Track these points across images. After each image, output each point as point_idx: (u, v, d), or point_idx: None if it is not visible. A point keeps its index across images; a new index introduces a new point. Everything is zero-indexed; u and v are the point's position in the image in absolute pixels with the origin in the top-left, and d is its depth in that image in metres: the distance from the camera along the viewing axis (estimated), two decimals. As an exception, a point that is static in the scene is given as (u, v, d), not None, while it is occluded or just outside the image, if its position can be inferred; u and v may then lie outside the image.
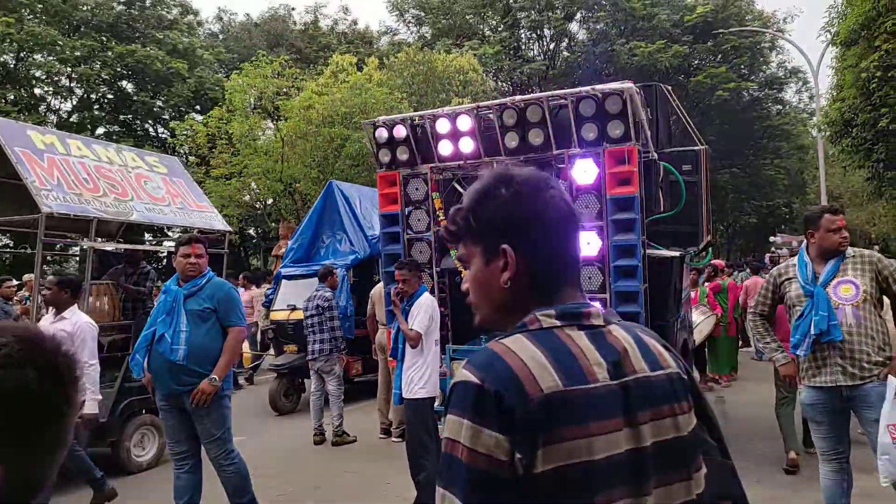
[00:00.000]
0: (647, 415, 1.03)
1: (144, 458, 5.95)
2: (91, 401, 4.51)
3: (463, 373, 0.99)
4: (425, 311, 4.59)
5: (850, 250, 3.66)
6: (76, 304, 4.75)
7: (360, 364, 8.92)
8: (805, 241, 3.84)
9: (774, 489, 5.01)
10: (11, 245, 15.18)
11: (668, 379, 1.09)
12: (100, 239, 6.81)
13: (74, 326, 4.52)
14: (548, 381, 0.95)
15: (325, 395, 7.01)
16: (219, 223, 6.98)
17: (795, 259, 3.84)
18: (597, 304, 1.12)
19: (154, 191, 6.60)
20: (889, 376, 3.40)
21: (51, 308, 4.83)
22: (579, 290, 1.13)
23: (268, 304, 9.71)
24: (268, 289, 10.69)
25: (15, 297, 10.36)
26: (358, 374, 8.95)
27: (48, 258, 15.80)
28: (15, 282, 9.36)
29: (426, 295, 4.74)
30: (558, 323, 1.05)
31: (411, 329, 4.53)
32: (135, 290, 6.08)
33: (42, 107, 22.95)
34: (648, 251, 5.16)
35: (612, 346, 1.05)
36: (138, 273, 6.23)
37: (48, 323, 4.67)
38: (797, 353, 3.67)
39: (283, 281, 9.29)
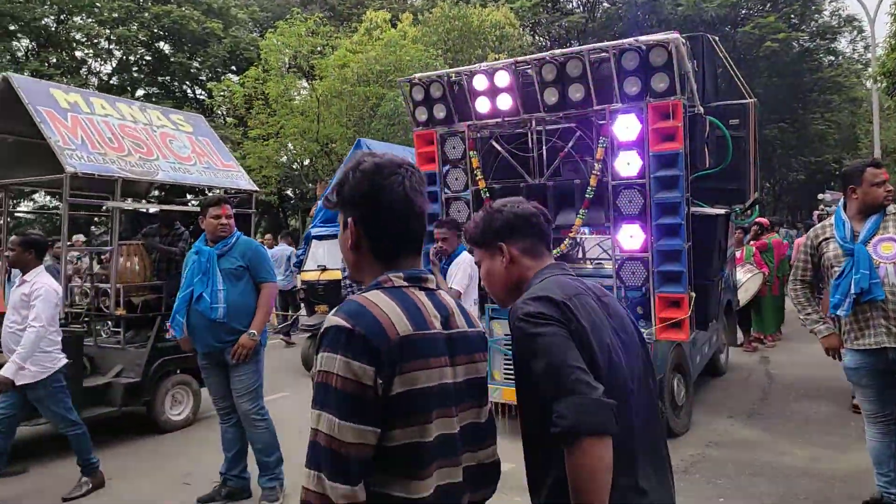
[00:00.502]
0: (462, 358, 1.41)
1: (179, 417, 5.99)
2: (12, 364, 4.08)
3: (334, 319, 1.27)
4: (464, 271, 4.57)
5: (891, 206, 3.51)
6: (41, 266, 4.43)
7: None
8: (843, 199, 3.69)
9: (819, 449, 4.94)
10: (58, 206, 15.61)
11: (478, 335, 1.51)
12: (129, 199, 6.77)
13: (31, 287, 4.24)
14: (402, 327, 1.28)
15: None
16: (245, 182, 6.86)
17: (831, 219, 3.69)
18: (430, 274, 1.46)
19: (180, 150, 6.48)
20: None
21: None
22: (418, 259, 1.45)
23: (298, 264, 9.66)
24: (298, 249, 10.60)
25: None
26: None
27: (95, 219, 16.22)
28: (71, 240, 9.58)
29: (465, 254, 4.69)
30: (406, 283, 1.38)
31: (451, 288, 4.52)
32: (166, 251, 6.07)
33: (83, 70, 23.28)
34: (693, 209, 5.02)
35: (443, 305, 1.43)
36: (172, 234, 6.27)
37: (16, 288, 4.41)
38: (838, 313, 3.52)
39: (314, 241, 9.15)
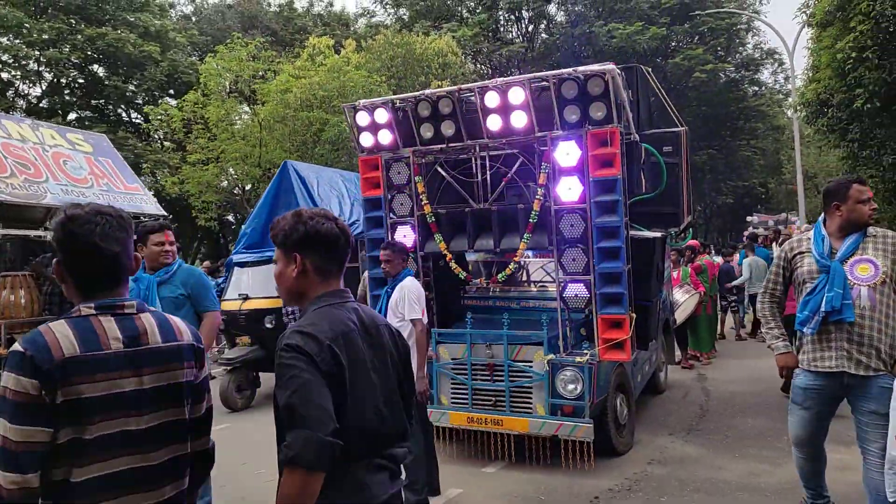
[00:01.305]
0: (149, 370, 1.66)
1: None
2: None
3: (16, 345, 1.56)
4: (409, 301, 4.44)
5: (870, 228, 3.38)
6: None
7: None
8: (823, 215, 3.54)
9: (755, 463, 5.13)
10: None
11: (171, 348, 1.72)
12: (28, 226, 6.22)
13: None
14: (69, 350, 1.54)
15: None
16: (151, 206, 6.51)
17: (810, 233, 3.54)
18: (133, 301, 1.71)
19: (75, 171, 6.06)
20: None
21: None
22: (119, 289, 1.71)
23: (219, 293, 9.27)
24: (219, 277, 10.00)
25: None
26: None
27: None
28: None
29: (408, 280, 4.61)
30: (94, 312, 1.64)
31: (411, 320, 4.43)
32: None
33: (10, 92, 22.35)
34: (631, 232, 5.20)
35: (134, 326, 1.67)
36: None
37: None
38: (804, 330, 3.41)
39: (236, 268, 8.55)
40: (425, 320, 4.55)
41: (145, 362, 1.66)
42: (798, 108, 14.66)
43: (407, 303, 4.46)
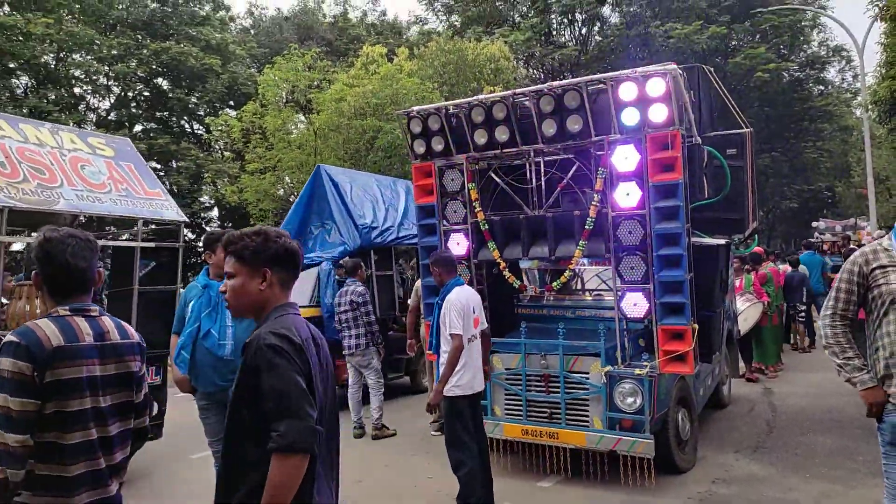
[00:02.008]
0: (111, 360, 2.11)
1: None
2: None
3: (10, 337, 1.96)
4: (451, 315, 4.36)
5: None
6: None
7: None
8: None
9: (827, 484, 4.83)
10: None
11: (128, 344, 2.18)
12: (29, 232, 6.04)
13: None
14: (56, 341, 1.97)
15: (365, 388, 7.00)
16: (172, 213, 6.22)
17: (886, 241, 2.93)
18: (96, 307, 2.13)
19: (93, 176, 5.83)
20: None
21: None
22: (85, 296, 2.14)
23: None
24: None
25: None
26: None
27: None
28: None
29: (456, 290, 4.49)
30: (69, 313, 2.07)
31: (450, 335, 4.35)
32: None
33: (81, 105, 23.44)
34: (693, 239, 4.99)
35: (99, 325, 2.11)
36: None
37: None
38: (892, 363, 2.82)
39: None
40: (470, 334, 4.42)
41: (109, 354, 2.10)
42: (869, 106, 13.95)
43: (448, 317, 4.38)
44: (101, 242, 6.14)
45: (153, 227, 6.41)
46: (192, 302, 4.08)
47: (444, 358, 4.39)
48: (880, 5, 12.67)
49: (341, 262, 7.73)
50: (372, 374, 6.87)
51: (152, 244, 6.18)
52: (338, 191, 8.57)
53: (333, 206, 8.48)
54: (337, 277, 7.79)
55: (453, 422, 4.40)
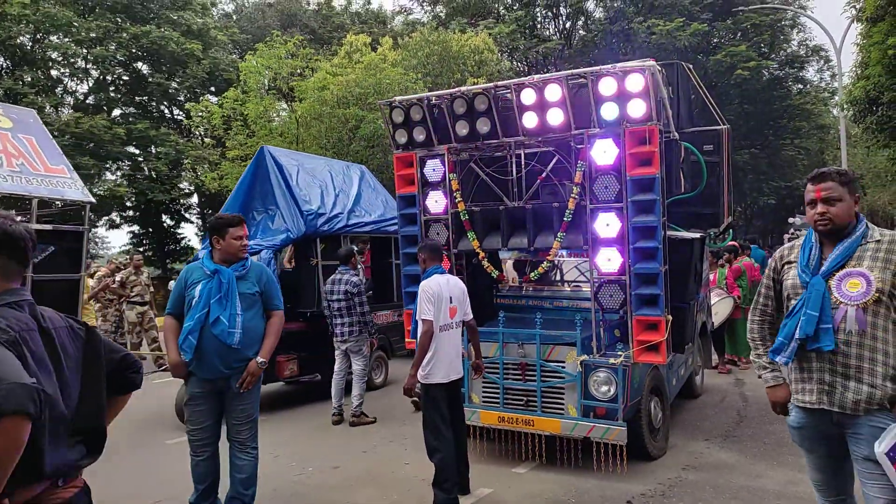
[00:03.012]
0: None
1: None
2: None
3: None
4: (423, 297, 4.39)
5: (876, 232, 2.67)
6: None
7: (296, 363, 7.59)
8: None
9: (794, 472, 4.98)
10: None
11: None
12: None
13: None
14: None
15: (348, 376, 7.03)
16: (76, 191, 5.68)
17: (802, 239, 2.89)
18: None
19: None
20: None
21: None
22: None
23: None
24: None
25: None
26: (293, 375, 7.60)
27: None
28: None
29: (431, 278, 4.50)
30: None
31: (421, 319, 4.38)
32: None
33: (59, 88, 23.06)
34: (669, 233, 5.10)
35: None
36: None
37: None
38: (777, 359, 2.82)
39: None
40: (445, 322, 4.48)
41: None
42: (845, 106, 14.20)
43: (419, 302, 4.43)
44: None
45: (59, 206, 5.82)
46: (200, 286, 3.96)
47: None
48: (857, 6, 12.91)
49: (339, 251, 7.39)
50: (360, 360, 6.93)
51: (49, 226, 5.66)
52: (282, 174, 7.97)
53: (277, 191, 7.89)
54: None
55: (429, 409, 4.46)
